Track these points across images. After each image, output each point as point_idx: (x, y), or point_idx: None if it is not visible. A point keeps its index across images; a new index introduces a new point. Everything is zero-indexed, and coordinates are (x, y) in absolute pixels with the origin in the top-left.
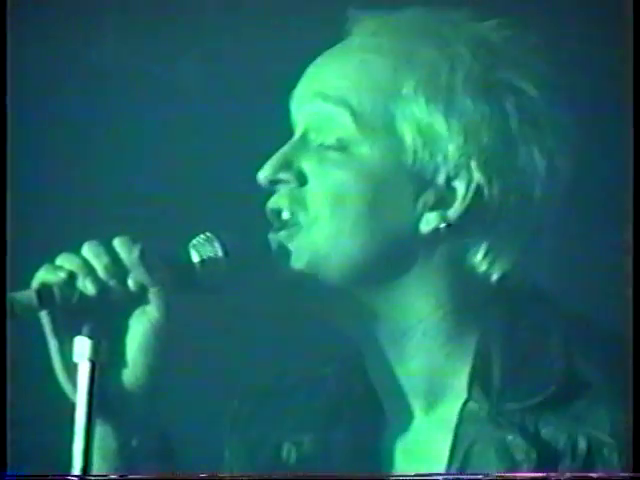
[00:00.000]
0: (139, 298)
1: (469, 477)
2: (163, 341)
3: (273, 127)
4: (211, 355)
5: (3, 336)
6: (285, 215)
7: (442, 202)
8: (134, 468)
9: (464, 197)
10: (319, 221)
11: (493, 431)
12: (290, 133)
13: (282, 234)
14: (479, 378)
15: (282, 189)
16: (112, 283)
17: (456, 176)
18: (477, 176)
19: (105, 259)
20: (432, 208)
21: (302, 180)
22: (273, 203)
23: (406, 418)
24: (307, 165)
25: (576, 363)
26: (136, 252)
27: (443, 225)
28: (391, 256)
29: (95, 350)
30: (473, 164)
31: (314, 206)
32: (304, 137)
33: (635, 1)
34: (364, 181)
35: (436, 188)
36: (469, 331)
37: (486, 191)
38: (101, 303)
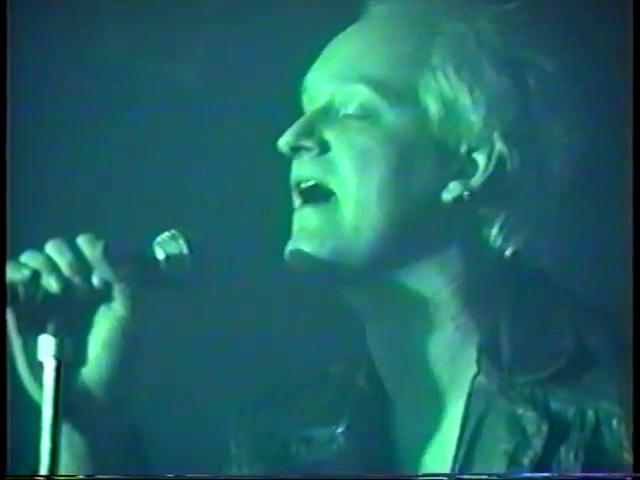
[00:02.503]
0: (104, 295)
1: (472, 477)
2: (128, 338)
3: (252, 128)
4: (180, 352)
5: (3, 336)
6: (311, 183)
7: (464, 171)
8: (103, 468)
9: (486, 166)
10: (347, 185)
11: (504, 405)
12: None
13: (309, 206)
14: (489, 352)
15: (304, 157)
16: (76, 280)
17: (479, 146)
18: (499, 147)
19: (69, 256)
20: (455, 177)
21: (325, 147)
22: (297, 173)
23: (413, 395)
24: (330, 133)
25: (584, 337)
26: (99, 249)
27: (466, 193)
28: (414, 224)
29: (60, 348)
30: (496, 135)
31: (341, 170)
32: (326, 108)
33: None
34: (389, 148)
35: (459, 157)
36: (479, 305)
37: (507, 162)
38: (66, 301)
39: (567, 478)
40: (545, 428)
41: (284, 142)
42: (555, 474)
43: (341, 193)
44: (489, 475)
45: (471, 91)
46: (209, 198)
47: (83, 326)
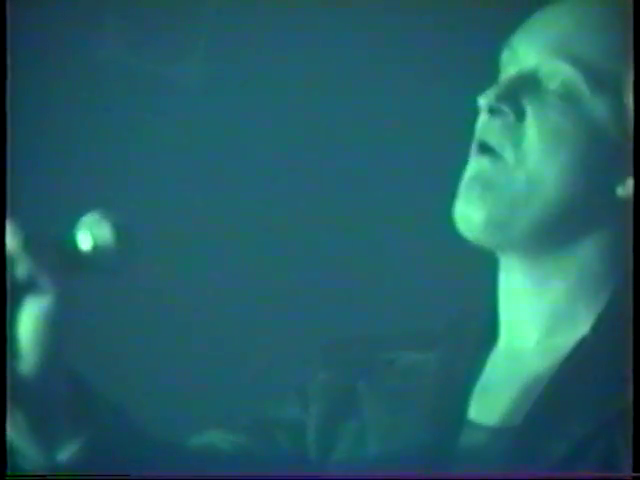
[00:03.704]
0: (28, 286)
1: (471, 477)
2: (56, 327)
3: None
4: (110, 337)
5: (3, 334)
6: (495, 146)
7: None
8: (56, 447)
9: None
10: (528, 159)
11: (604, 363)
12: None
13: (486, 159)
14: (609, 326)
15: (497, 119)
16: None
17: None
18: None
19: None
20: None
21: (520, 116)
22: (485, 132)
23: (519, 343)
24: (528, 103)
25: None
26: (20, 239)
27: None
28: (584, 208)
29: None
30: None
31: (528, 142)
32: (529, 76)
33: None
34: (581, 133)
35: None
36: (614, 288)
37: None
38: None
39: (567, 478)
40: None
41: (485, 101)
42: (555, 474)
43: (518, 163)
44: (489, 475)
45: None
46: (135, 178)
47: (10, 319)
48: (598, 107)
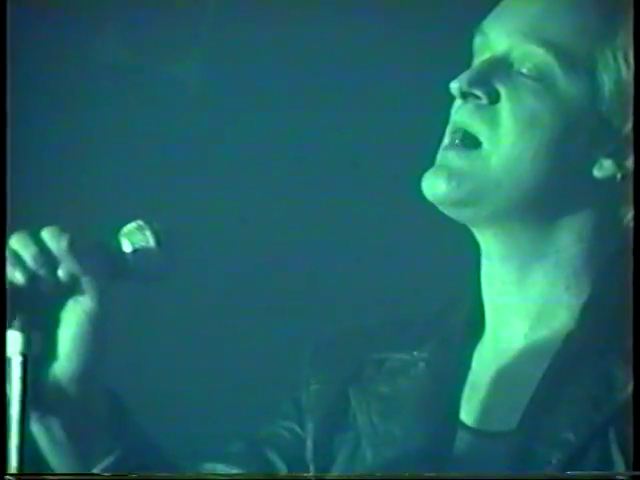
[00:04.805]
0: (71, 289)
1: (471, 477)
2: (97, 331)
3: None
4: (149, 343)
5: (3, 336)
6: (468, 131)
7: (620, 152)
8: (93, 461)
9: None
10: (502, 141)
11: (593, 360)
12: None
13: (457, 149)
14: (593, 316)
15: (470, 104)
16: (42, 274)
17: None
18: None
19: (34, 250)
20: (608, 155)
21: (494, 99)
22: (457, 118)
23: (506, 337)
24: (501, 86)
25: None
26: (65, 242)
27: (619, 175)
28: (557, 192)
29: (27, 344)
30: None
31: (502, 125)
32: (501, 60)
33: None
34: (556, 114)
35: (618, 138)
36: (595, 272)
37: None
38: (32, 295)
39: (566, 478)
40: (630, 387)
41: (456, 86)
42: (556, 473)
43: (493, 146)
44: (489, 475)
45: None
46: (176, 188)
47: (51, 321)
48: (572, 88)
